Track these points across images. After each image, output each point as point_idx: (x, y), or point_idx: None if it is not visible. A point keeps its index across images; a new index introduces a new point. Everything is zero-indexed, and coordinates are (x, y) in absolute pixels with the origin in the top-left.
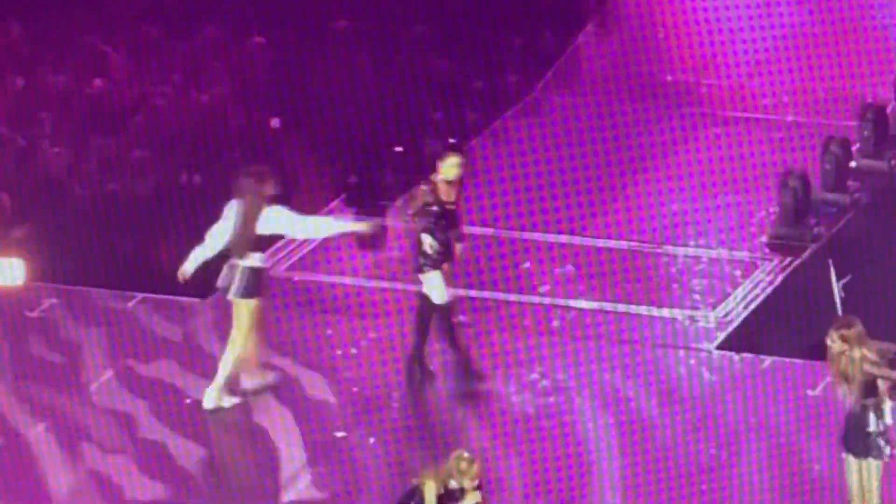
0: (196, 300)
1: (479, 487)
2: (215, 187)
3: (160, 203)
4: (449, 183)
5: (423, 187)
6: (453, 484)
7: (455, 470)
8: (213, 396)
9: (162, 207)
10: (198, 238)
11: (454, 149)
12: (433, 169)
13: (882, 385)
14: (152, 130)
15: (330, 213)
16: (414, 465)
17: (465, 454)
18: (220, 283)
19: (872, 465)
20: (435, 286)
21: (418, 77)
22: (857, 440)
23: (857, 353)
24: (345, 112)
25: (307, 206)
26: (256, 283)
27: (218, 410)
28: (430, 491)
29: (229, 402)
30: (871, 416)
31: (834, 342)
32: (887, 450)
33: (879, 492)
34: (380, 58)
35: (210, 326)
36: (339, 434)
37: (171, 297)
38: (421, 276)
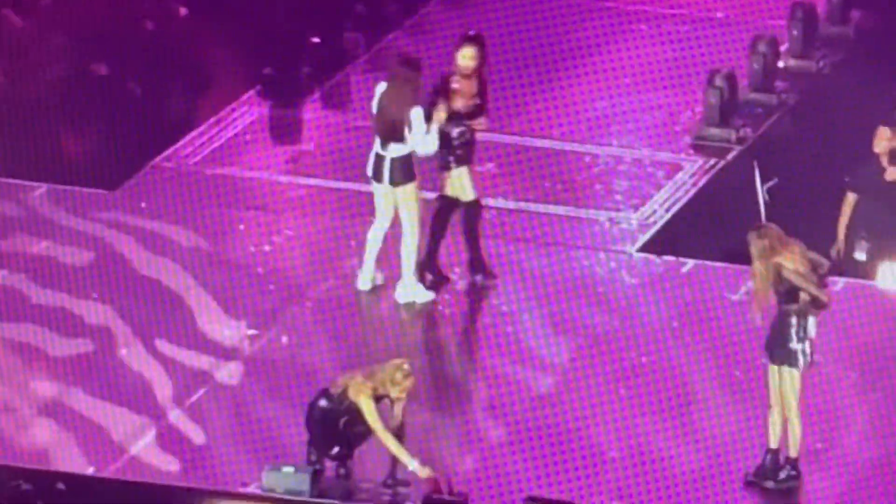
0: (104, 192)
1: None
2: (123, 77)
3: (68, 92)
4: (466, 76)
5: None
6: (382, 390)
7: (389, 379)
8: (403, 292)
9: (70, 96)
10: (106, 129)
11: (470, 39)
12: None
13: (804, 296)
14: (61, 16)
15: (243, 104)
16: (324, 367)
17: (405, 366)
18: (369, 171)
19: (789, 373)
20: (466, 182)
21: None
22: (775, 347)
23: (771, 262)
24: (260, 1)
25: (219, 96)
26: (409, 167)
27: (412, 305)
28: (369, 402)
29: (424, 297)
30: (792, 324)
31: (751, 250)
32: (804, 359)
33: (797, 400)
34: None
35: (117, 219)
36: (251, 332)
37: (77, 188)
38: (448, 173)
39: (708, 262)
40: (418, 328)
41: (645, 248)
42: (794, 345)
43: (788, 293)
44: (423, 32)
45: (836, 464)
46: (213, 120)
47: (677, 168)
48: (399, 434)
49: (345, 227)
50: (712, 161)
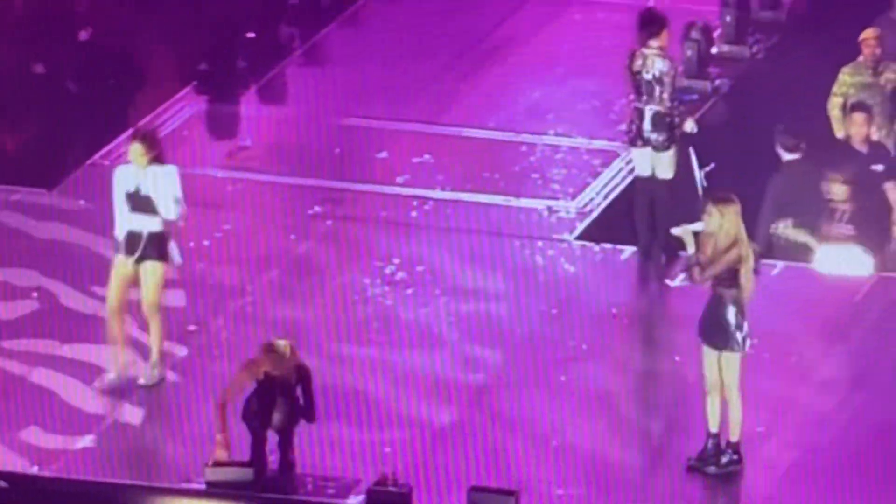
0: (42, 190)
1: (292, 376)
2: (60, 75)
3: (4, 91)
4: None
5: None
6: (264, 368)
7: (261, 357)
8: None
9: (7, 96)
10: (45, 131)
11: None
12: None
13: (742, 280)
14: None
15: (180, 100)
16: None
17: (277, 342)
18: (120, 246)
19: (730, 358)
20: (670, 162)
21: None
22: (714, 331)
23: (734, 229)
24: None
25: (156, 93)
26: (163, 244)
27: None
28: (240, 374)
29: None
30: (730, 308)
31: (711, 215)
32: (744, 343)
33: (738, 384)
34: None
35: (56, 217)
36: (191, 328)
37: (15, 186)
38: (662, 154)
39: None
40: (358, 318)
41: (583, 236)
42: (734, 329)
43: (729, 274)
44: (359, 25)
45: (778, 447)
46: (150, 116)
47: (613, 155)
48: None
49: (284, 221)
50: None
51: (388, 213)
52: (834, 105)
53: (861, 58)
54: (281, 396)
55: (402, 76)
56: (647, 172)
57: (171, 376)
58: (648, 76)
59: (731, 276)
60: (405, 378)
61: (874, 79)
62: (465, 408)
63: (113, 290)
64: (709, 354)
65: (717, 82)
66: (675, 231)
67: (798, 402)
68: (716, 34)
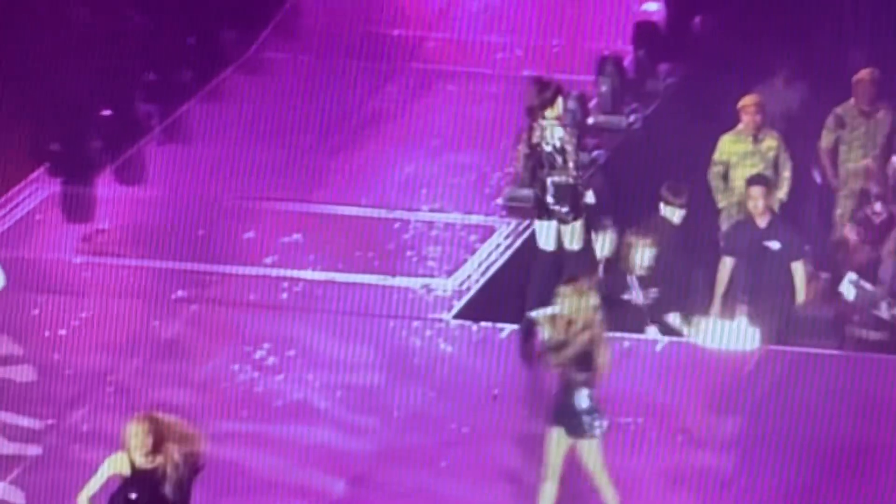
0: None
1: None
2: None
3: None
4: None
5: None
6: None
7: (128, 443)
8: None
9: None
10: None
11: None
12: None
13: (602, 360)
14: None
15: (32, 183)
16: None
17: (136, 420)
18: None
19: (589, 444)
20: (578, 234)
21: (126, 35)
22: (567, 418)
23: (591, 306)
24: (45, 72)
25: (5, 175)
26: None
27: None
28: (107, 465)
29: None
30: (582, 393)
31: (567, 297)
32: (600, 425)
33: (603, 468)
34: (83, 14)
35: None
36: (50, 422)
37: None
38: (570, 226)
39: None
40: (228, 405)
41: (461, 315)
42: (587, 414)
43: (583, 357)
44: (221, 100)
45: None
46: (0, 200)
47: (490, 231)
48: None
49: (147, 307)
50: (526, 222)
51: (256, 295)
52: (715, 175)
53: (741, 125)
54: (150, 492)
55: (268, 152)
56: (550, 246)
57: (27, 473)
58: (549, 147)
59: (584, 359)
60: (279, 465)
61: (755, 146)
62: (341, 495)
63: None
64: (559, 441)
65: (594, 153)
66: (532, 315)
67: (686, 481)
68: (591, 104)
